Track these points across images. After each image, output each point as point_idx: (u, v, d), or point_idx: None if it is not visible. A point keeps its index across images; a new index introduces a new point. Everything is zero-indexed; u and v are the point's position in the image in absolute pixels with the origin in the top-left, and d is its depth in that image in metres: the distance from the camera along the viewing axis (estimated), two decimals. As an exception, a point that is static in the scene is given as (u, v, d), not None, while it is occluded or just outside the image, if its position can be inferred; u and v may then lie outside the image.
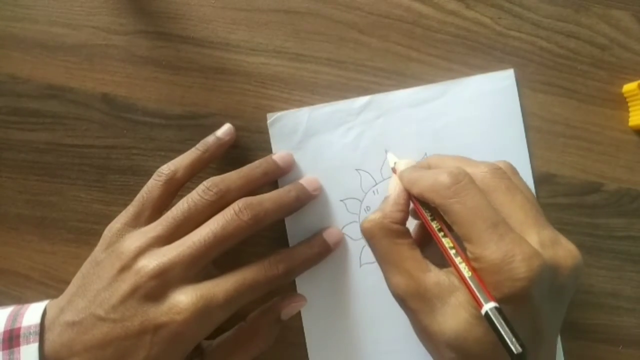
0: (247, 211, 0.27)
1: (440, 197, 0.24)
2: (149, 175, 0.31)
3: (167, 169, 0.29)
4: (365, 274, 0.32)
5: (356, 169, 0.32)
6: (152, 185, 0.28)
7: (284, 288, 0.31)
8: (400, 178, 0.27)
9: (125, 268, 0.26)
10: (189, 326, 0.25)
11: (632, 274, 0.33)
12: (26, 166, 0.32)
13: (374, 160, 0.32)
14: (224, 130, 0.31)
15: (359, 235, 0.32)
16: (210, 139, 0.30)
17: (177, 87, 0.32)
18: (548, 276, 0.22)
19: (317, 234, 0.31)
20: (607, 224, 0.33)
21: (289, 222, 0.32)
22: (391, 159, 0.31)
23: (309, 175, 0.32)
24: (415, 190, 0.26)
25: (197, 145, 0.30)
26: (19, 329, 0.25)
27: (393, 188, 0.27)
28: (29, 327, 0.25)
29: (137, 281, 0.25)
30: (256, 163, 0.30)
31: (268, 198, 0.28)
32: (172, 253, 0.26)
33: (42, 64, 0.32)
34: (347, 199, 0.32)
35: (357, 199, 0.32)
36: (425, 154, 0.32)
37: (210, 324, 0.26)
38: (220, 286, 0.26)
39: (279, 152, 0.31)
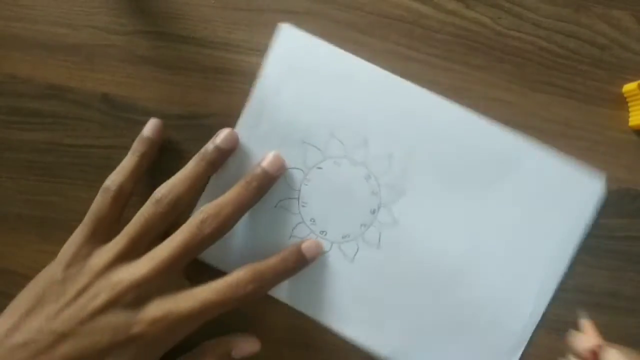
0: (210, 224, 0.27)
1: None
2: (148, 175, 0.32)
3: (112, 184, 0.29)
4: (326, 266, 0.32)
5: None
6: (102, 203, 0.29)
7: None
8: None
9: (93, 284, 0.26)
10: (159, 338, 0.26)
11: (632, 274, 0.33)
12: (26, 166, 0.32)
13: (296, 154, 0.31)
14: (150, 128, 0.31)
15: (308, 231, 0.32)
16: (141, 141, 0.30)
17: (177, 87, 0.32)
18: None
19: (293, 246, 0.30)
20: (607, 224, 0.33)
21: (213, 180, 0.31)
22: (586, 339, 0.28)
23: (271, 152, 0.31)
24: None
25: (132, 150, 0.30)
26: None
27: None
28: None
29: (112, 295, 0.26)
30: (199, 156, 0.30)
31: (228, 202, 0.28)
32: (145, 267, 0.27)
33: (42, 64, 0.32)
34: (284, 200, 0.32)
35: (294, 198, 0.32)
36: (333, 133, 0.31)
37: (177, 336, 0.27)
38: (188, 303, 0.27)
39: (221, 133, 0.30)
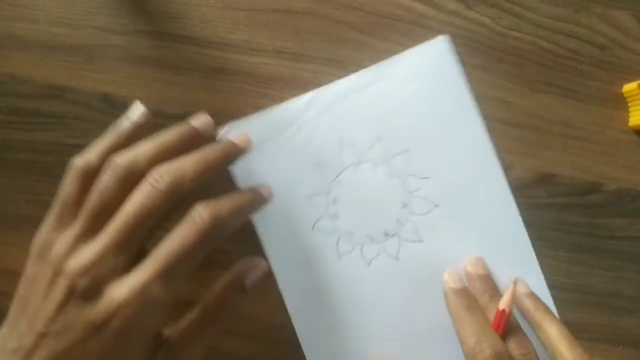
0: (164, 178, 0.24)
1: None
2: (149, 175, 0.31)
3: (80, 161, 0.26)
4: (343, 266, 0.32)
5: (315, 164, 0.32)
6: (67, 182, 0.26)
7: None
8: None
9: (56, 274, 0.24)
10: (132, 320, 0.23)
11: (632, 274, 0.33)
12: (26, 166, 0.32)
13: (330, 152, 0.32)
14: (137, 112, 0.28)
15: (332, 227, 0.32)
16: (124, 124, 0.27)
17: (177, 87, 0.32)
18: None
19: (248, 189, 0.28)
20: (607, 224, 0.33)
21: (260, 220, 0.32)
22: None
23: (266, 181, 0.31)
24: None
25: (111, 130, 0.27)
26: None
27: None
28: None
29: (69, 284, 0.23)
30: (171, 128, 0.27)
31: (187, 157, 0.25)
32: (96, 246, 0.24)
33: (42, 64, 0.32)
34: (313, 195, 0.32)
35: (322, 194, 0.32)
36: (379, 138, 0.32)
37: (156, 310, 0.24)
38: (150, 269, 0.23)
39: (197, 117, 0.28)
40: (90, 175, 0.26)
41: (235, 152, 0.28)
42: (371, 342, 0.32)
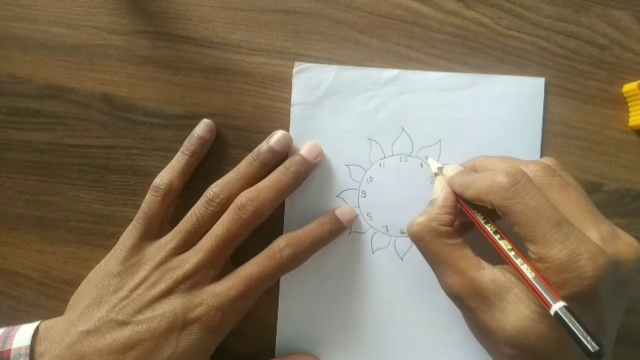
0: (247, 208, 0.28)
1: (499, 199, 0.23)
2: (149, 175, 0.32)
3: (161, 183, 0.30)
4: (352, 242, 0.32)
5: (369, 138, 0.32)
6: (152, 201, 0.30)
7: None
8: (451, 183, 0.28)
9: (149, 277, 0.28)
10: (215, 322, 0.27)
11: (632, 274, 0.33)
12: (26, 166, 0.32)
13: (388, 133, 0.32)
14: (203, 128, 0.31)
15: (355, 203, 0.32)
16: (193, 140, 0.31)
17: (177, 87, 0.32)
18: (612, 272, 0.22)
19: (329, 212, 0.31)
20: (607, 224, 0.33)
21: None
22: (433, 164, 0.31)
23: (313, 140, 0.31)
24: (470, 194, 0.26)
25: (182, 149, 0.31)
26: (9, 351, 0.26)
27: (439, 190, 0.28)
28: (19, 348, 0.26)
29: (169, 285, 0.28)
30: (253, 155, 0.30)
31: (266, 186, 0.29)
32: (194, 259, 0.28)
33: (42, 64, 0.32)
34: (352, 164, 0.32)
35: (362, 167, 0.32)
36: (440, 140, 0.32)
37: (234, 318, 0.28)
38: (234, 283, 0.28)
39: (275, 135, 0.31)
40: (171, 196, 0.30)
41: (306, 171, 0.30)
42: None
